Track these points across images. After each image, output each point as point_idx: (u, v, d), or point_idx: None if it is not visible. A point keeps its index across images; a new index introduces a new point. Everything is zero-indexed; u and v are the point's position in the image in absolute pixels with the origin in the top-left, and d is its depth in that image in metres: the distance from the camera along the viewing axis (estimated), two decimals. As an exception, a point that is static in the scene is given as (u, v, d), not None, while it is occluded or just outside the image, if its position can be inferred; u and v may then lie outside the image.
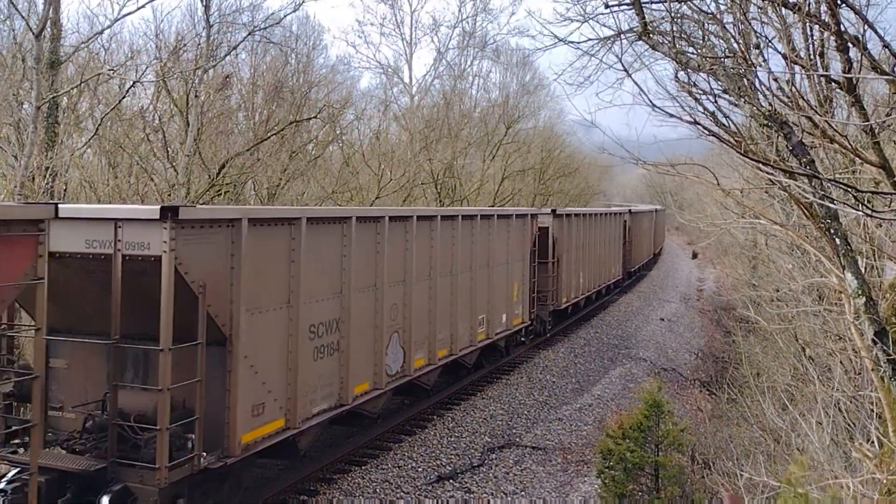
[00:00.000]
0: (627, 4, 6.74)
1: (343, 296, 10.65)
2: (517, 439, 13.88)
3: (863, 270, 6.60)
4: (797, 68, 6.19)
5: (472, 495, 11.20)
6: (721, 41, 6.88)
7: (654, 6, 6.98)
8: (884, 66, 5.80)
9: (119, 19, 28.09)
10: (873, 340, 6.20)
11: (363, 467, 11.70)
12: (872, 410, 7.95)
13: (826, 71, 6.34)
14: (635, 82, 6.44)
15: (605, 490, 10.87)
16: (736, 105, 6.57)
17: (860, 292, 6.22)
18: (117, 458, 7.82)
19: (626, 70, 6.72)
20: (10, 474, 7.84)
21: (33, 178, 14.15)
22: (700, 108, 6.81)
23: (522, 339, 19.70)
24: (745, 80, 6.29)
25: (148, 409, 7.96)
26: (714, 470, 11.08)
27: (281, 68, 23.57)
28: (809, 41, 6.05)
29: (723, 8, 6.68)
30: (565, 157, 47.19)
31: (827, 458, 7.67)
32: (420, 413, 14.32)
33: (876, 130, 6.02)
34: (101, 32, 17.76)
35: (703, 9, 6.82)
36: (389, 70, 44.21)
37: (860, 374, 9.48)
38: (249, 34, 20.01)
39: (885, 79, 6.12)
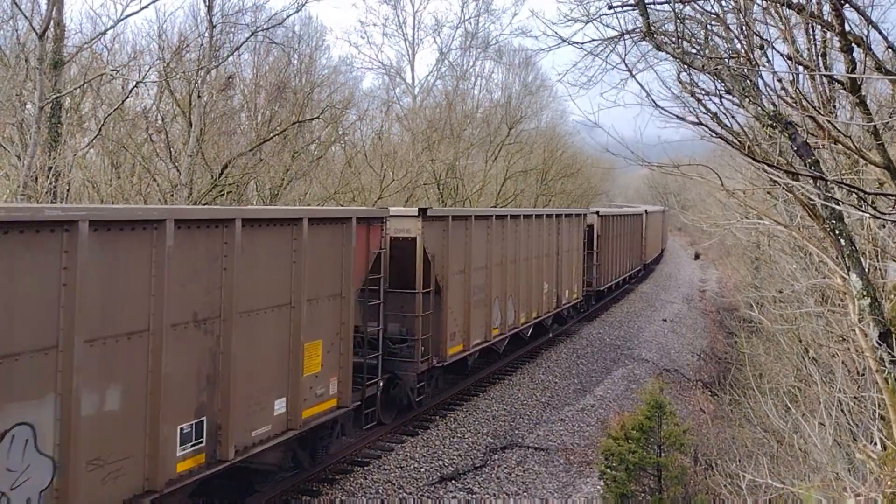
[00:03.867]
0: (631, 5, 6.73)
1: None
2: (520, 440, 13.87)
3: (866, 272, 6.57)
4: (800, 69, 6.18)
5: (474, 496, 11.19)
6: (724, 42, 6.87)
7: (657, 7, 6.98)
8: (888, 67, 5.80)
9: (122, 20, 28.24)
10: (878, 342, 6.18)
11: (365, 468, 11.70)
12: (875, 412, 7.92)
13: (829, 71, 6.32)
14: (639, 83, 6.46)
15: (607, 491, 10.86)
16: (739, 105, 6.55)
17: (865, 293, 6.20)
18: None
19: (629, 70, 6.71)
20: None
21: (36, 179, 14.19)
22: (703, 109, 6.79)
23: (374, 421, 12.76)
24: (748, 80, 6.28)
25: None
26: (716, 471, 11.05)
27: (283, 69, 23.58)
28: (812, 42, 6.04)
29: (726, 9, 6.67)
30: (568, 157, 47.21)
31: (829, 459, 7.65)
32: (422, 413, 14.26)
33: (880, 131, 5.99)
34: (105, 33, 17.83)
35: (707, 9, 6.81)
36: (392, 70, 44.44)
37: (863, 375, 9.45)
38: (252, 35, 20.01)
39: (889, 79, 6.10)
